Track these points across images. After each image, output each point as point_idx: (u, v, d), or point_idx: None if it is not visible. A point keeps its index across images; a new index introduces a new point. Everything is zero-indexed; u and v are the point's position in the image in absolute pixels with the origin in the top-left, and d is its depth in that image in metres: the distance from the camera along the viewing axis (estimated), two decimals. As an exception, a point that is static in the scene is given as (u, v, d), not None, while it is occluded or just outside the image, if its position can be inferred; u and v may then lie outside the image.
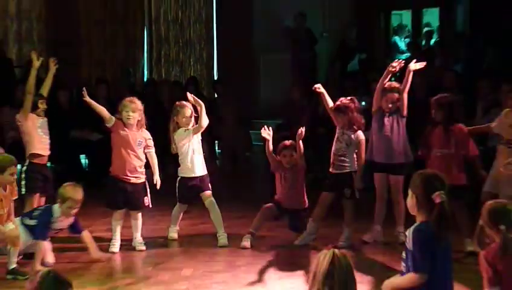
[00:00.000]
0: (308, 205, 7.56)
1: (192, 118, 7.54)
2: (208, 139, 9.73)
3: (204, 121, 7.45)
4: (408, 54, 12.97)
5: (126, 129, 7.28)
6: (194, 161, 7.54)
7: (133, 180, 7.27)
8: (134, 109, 7.28)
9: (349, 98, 7.43)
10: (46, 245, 6.70)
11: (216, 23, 15.07)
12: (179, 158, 7.59)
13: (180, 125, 7.55)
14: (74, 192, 6.64)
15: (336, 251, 3.80)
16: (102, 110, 7.33)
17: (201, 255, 7.17)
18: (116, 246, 7.28)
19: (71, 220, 6.76)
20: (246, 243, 7.37)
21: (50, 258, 6.74)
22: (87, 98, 7.28)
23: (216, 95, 13.24)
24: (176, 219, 7.77)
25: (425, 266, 4.15)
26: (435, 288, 4.21)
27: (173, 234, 7.74)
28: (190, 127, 7.53)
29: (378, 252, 7.20)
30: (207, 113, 7.49)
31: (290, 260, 7.05)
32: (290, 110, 11.56)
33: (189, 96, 7.55)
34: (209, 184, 7.62)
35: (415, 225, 4.27)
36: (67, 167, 10.52)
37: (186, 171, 7.57)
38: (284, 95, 12.47)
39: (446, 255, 4.27)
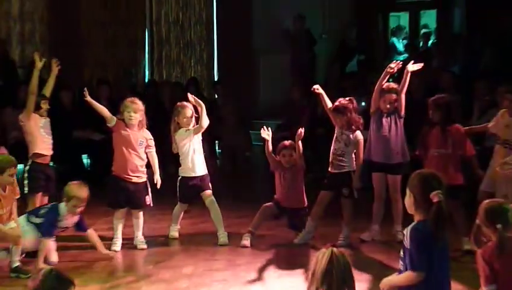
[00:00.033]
0: (307, 204, 7.59)
1: (193, 119, 7.57)
2: (208, 139, 9.74)
3: (205, 121, 7.48)
4: (406, 55, 13.00)
5: (127, 129, 7.32)
6: (194, 160, 7.57)
7: (135, 179, 7.31)
8: (136, 110, 7.32)
9: (347, 98, 7.45)
10: (51, 244, 6.74)
11: (216, 25, 15.07)
12: (180, 158, 7.62)
13: (181, 125, 7.58)
14: (80, 190, 6.67)
15: (335, 249, 3.85)
16: (104, 110, 7.37)
17: (201, 254, 7.20)
18: (117, 244, 7.32)
19: (76, 218, 6.79)
20: (246, 241, 7.41)
21: (54, 257, 6.78)
22: (89, 98, 7.32)
23: (216, 96, 13.24)
24: (176, 218, 7.80)
25: (422, 265, 4.14)
26: (433, 286, 4.21)
27: (174, 232, 7.78)
28: (191, 127, 7.57)
29: (376, 250, 7.23)
30: (207, 113, 7.52)
31: (289, 258, 7.08)
32: (290, 111, 11.57)
33: (190, 97, 7.58)
34: (210, 184, 7.65)
35: (413, 223, 4.27)
36: (69, 166, 10.52)
37: (186, 170, 7.60)
38: (284, 96, 12.48)
39: (443, 254, 4.26)
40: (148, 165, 7.52)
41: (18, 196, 6.72)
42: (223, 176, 11.15)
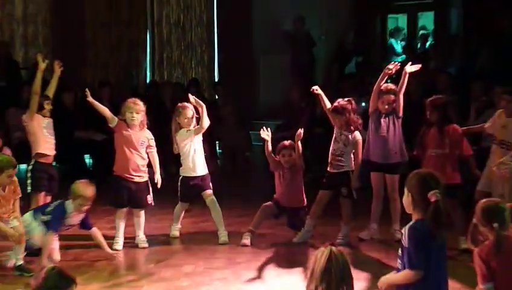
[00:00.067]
0: (306, 204, 7.63)
1: (194, 119, 7.61)
2: (208, 139, 9.75)
3: (206, 122, 7.52)
4: (404, 57, 13.00)
5: (129, 129, 7.36)
6: (195, 160, 7.61)
7: (136, 179, 7.35)
8: (138, 110, 7.36)
9: (346, 99, 7.48)
10: (54, 243, 6.77)
11: (217, 27, 15.07)
12: (181, 158, 7.65)
13: (181, 126, 7.62)
14: (86, 189, 6.70)
15: (333, 248, 3.90)
16: (105, 110, 7.41)
17: (202, 253, 7.23)
18: (119, 243, 7.36)
19: (82, 216, 6.82)
20: (246, 240, 7.44)
21: (56, 256, 6.81)
22: (90, 99, 7.36)
23: (217, 97, 13.25)
24: (177, 217, 7.83)
25: (420, 263, 4.15)
26: (430, 285, 4.22)
27: (175, 231, 7.81)
28: (191, 127, 7.61)
29: (375, 249, 7.27)
30: (208, 114, 7.55)
31: (288, 257, 7.12)
32: (289, 111, 11.58)
33: (191, 97, 7.61)
34: (210, 183, 7.68)
35: (411, 222, 4.27)
36: (72, 166, 10.56)
37: (187, 170, 7.64)
38: (284, 96, 12.50)
39: (441, 253, 4.27)
40: (149, 165, 7.55)
41: (19, 195, 6.74)
42: (224, 175, 11.13)
